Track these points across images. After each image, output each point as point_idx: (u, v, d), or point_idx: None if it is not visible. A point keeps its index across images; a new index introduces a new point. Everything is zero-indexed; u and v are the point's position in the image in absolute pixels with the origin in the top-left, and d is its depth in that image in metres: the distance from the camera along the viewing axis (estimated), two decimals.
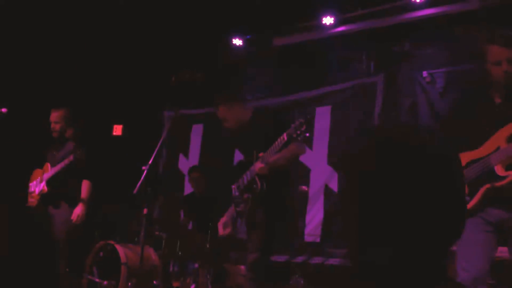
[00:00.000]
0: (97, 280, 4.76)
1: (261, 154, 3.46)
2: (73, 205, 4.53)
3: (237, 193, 3.72)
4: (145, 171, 3.77)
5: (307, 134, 3.24)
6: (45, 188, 4.57)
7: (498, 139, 2.70)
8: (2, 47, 5.89)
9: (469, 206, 2.70)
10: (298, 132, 3.19)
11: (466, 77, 5.01)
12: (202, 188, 5.90)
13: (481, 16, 4.99)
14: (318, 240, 5.56)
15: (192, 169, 6.11)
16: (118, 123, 7.09)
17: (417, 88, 5.32)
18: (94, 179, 4.67)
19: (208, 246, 4.97)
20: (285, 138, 3.27)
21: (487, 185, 2.68)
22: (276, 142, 3.34)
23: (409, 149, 0.97)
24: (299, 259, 5.56)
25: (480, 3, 5.04)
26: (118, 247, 4.86)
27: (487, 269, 2.67)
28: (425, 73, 5.30)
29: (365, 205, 0.97)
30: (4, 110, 4.57)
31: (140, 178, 3.94)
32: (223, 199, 5.31)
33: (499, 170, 2.66)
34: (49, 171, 4.63)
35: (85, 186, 4.61)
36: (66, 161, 4.50)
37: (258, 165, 3.46)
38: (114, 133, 6.97)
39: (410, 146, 0.98)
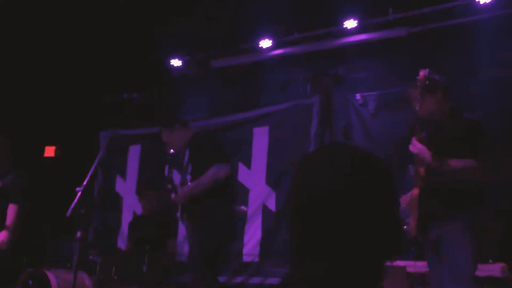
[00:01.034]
0: None
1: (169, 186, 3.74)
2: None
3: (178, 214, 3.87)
4: (79, 193, 3.65)
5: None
6: None
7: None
8: None
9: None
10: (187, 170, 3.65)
11: (396, 100, 5.27)
12: (153, 208, 5.69)
13: (409, 42, 5.30)
14: (256, 259, 5.57)
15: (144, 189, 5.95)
16: (51, 145, 6.83)
17: (351, 110, 5.54)
18: (21, 203, 4.46)
19: (145, 269, 4.85)
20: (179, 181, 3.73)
21: None
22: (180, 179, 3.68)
23: (352, 165, 1.00)
24: (238, 279, 5.54)
25: (407, 31, 5.35)
26: (49, 273, 4.64)
27: None
28: (358, 96, 5.54)
29: (304, 219, 0.99)
30: None
31: (74, 200, 3.81)
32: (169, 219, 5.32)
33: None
34: None
35: (11, 211, 4.39)
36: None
37: (172, 195, 3.74)
38: (46, 155, 6.70)
39: (353, 162, 1.01)
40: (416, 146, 2.93)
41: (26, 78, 6.31)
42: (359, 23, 5.51)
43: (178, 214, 3.86)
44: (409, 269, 3.98)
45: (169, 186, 3.77)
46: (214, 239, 3.58)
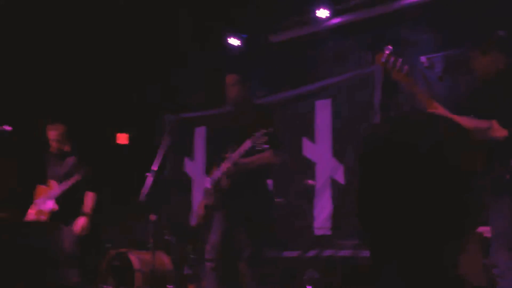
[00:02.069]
0: None
1: (227, 155, 3.62)
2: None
3: (209, 186, 3.85)
4: (150, 177, 3.80)
5: (266, 146, 3.40)
6: (56, 206, 4.60)
7: None
8: None
9: None
10: (259, 142, 3.29)
11: (465, 60, 4.98)
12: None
13: None
14: (328, 232, 5.56)
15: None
16: (120, 132, 7.12)
17: (416, 73, 5.30)
18: (98, 190, 4.72)
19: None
20: (249, 144, 3.44)
21: None
22: (242, 146, 3.49)
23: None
24: (311, 253, 5.57)
25: None
26: (130, 254, 4.89)
27: None
28: (423, 58, 5.28)
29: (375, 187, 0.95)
30: (8, 128, 4.60)
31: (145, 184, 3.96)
32: None
33: None
34: (55, 188, 4.64)
35: (89, 198, 4.65)
36: (73, 180, 4.54)
37: (225, 165, 3.65)
38: (118, 142, 7.00)
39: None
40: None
41: (97, 71, 6.56)
42: None
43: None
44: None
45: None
46: (259, 212, 3.69)
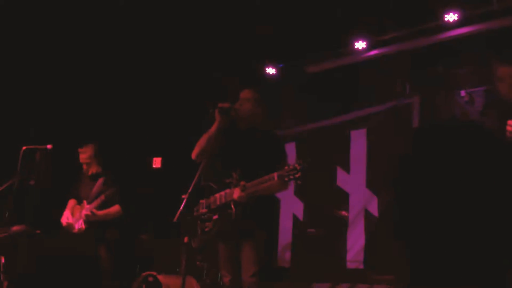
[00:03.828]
0: None
1: (243, 183, 3.31)
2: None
3: (204, 209, 3.60)
4: (185, 199, 3.80)
5: (299, 182, 3.08)
6: (83, 226, 4.70)
7: None
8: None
9: None
10: (291, 176, 3.06)
11: None
12: None
13: None
14: (361, 266, 5.43)
15: None
16: (157, 156, 7.22)
17: (455, 108, 5.23)
18: (125, 208, 4.80)
19: None
20: (275, 179, 3.13)
21: None
22: (264, 178, 3.20)
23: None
24: (343, 287, 5.44)
25: None
26: (160, 277, 4.88)
27: None
28: (463, 93, 5.21)
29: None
30: (49, 146, 4.74)
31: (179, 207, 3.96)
32: None
33: None
34: (85, 209, 4.74)
35: (112, 208, 4.74)
36: (98, 201, 4.67)
37: (237, 193, 3.32)
38: (154, 166, 7.10)
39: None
40: None
41: (136, 96, 6.75)
42: (460, 15, 5.21)
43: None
44: None
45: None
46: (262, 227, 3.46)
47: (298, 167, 3.04)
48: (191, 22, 5.85)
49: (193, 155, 3.62)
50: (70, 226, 4.79)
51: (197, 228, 3.68)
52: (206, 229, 3.60)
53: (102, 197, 4.70)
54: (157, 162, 7.11)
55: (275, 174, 3.12)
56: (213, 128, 3.53)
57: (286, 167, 3.08)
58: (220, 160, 3.60)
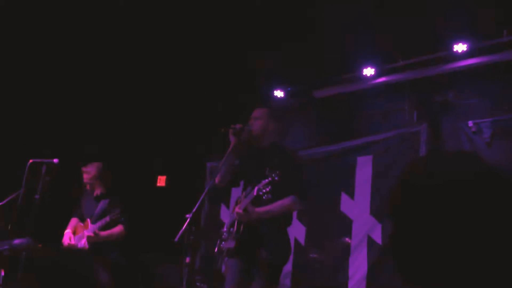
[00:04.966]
0: None
1: (242, 197, 3.41)
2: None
3: (225, 229, 3.65)
4: (188, 219, 3.79)
5: (270, 196, 3.13)
6: (86, 246, 4.66)
7: None
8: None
9: None
10: (264, 191, 3.10)
11: None
12: None
13: None
14: None
15: None
16: (162, 174, 7.23)
17: (463, 138, 5.22)
18: (129, 228, 4.75)
19: None
20: (254, 194, 3.19)
21: None
22: (251, 193, 3.25)
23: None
24: None
25: None
26: None
27: None
28: (470, 123, 5.21)
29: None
30: (55, 160, 4.74)
31: (182, 227, 3.95)
32: None
33: None
34: (89, 228, 4.72)
35: (115, 228, 4.69)
36: (103, 222, 4.62)
37: (237, 210, 3.38)
38: (158, 184, 7.10)
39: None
40: None
41: (141, 116, 6.79)
42: (469, 46, 5.24)
43: (233, 229, 3.51)
44: None
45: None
46: (279, 259, 3.44)
47: (267, 182, 3.08)
48: (201, 44, 5.91)
49: (217, 180, 3.65)
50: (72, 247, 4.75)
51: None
52: (222, 246, 3.63)
53: (107, 218, 4.65)
54: (161, 181, 7.11)
55: (256, 188, 3.15)
56: (228, 151, 3.56)
57: (262, 181, 3.10)
58: (239, 179, 3.67)
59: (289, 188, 3.35)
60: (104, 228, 4.65)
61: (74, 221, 4.97)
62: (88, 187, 4.95)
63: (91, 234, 4.60)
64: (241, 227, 3.44)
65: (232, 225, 3.55)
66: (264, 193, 3.13)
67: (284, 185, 3.27)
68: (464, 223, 0.88)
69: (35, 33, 5.73)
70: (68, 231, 4.85)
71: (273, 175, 3.12)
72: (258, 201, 3.31)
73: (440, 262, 0.89)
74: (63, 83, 6.33)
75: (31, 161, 4.60)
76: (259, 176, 3.30)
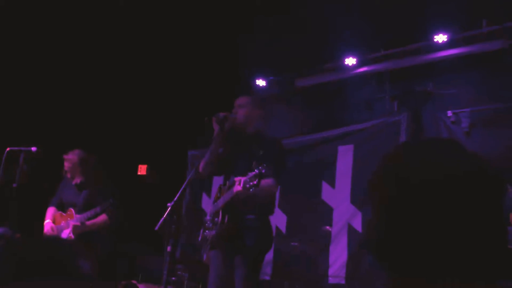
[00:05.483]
0: None
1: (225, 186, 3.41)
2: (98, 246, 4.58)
3: (208, 218, 3.64)
4: (169, 208, 3.77)
5: (251, 190, 3.06)
6: (72, 236, 4.56)
7: None
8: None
9: None
10: (251, 183, 3.03)
11: (492, 116, 4.97)
12: None
13: (505, 55, 5.00)
14: (343, 282, 5.43)
15: None
16: (143, 163, 7.18)
17: (442, 127, 5.30)
18: (114, 217, 4.68)
19: None
20: (241, 187, 3.11)
21: None
22: (234, 187, 3.20)
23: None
24: None
25: (503, 44, 5.05)
26: (141, 286, 4.83)
27: None
28: (449, 113, 5.28)
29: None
30: (34, 149, 4.65)
31: (163, 215, 3.94)
32: None
33: None
34: (74, 218, 4.60)
35: (99, 217, 4.60)
36: (92, 212, 4.51)
37: (222, 200, 3.38)
38: (139, 173, 7.05)
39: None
40: None
41: (122, 103, 6.72)
42: (449, 37, 5.29)
43: (218, 219, 3.47)
44: None
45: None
46: (262, 247, 3.42)
47: (256, 173, 3.01)
48: (183, 34, 5.86)
49: (200, 168, 3.62)
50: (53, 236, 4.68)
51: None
52: (206, 234, 3.60)
53: (98, 209, 4.56)
54: (142, 169, 7.07)
55: (242, 182, 3.09)
56: (212, 139, 3.53)
57: (249, 173, 3.04)
58: (222, 167, 3.61)
59: (270, 172, 3.24)
60: (92, 218, 4.56)
61: (51, 210, 4.86)
62: (68, 175, 4.86)
63: (78, 223, 4.51)
64: (226, 217, 3.43)
65: (216, 214, 3.53)
66: (251, 186, 3.11)
67: (267, 172, 3.25)
68: (446, 211, 0.89)
69: (19, 24, 5.63)
70: (48, 221, 4.76)
71: (259, 167, 3.10)
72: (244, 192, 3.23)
73: (421, 251, 0.90)
74: (43, 71, 6.22)
75: (8, 149, 4.50)
76: (245, 167, 3.26)
